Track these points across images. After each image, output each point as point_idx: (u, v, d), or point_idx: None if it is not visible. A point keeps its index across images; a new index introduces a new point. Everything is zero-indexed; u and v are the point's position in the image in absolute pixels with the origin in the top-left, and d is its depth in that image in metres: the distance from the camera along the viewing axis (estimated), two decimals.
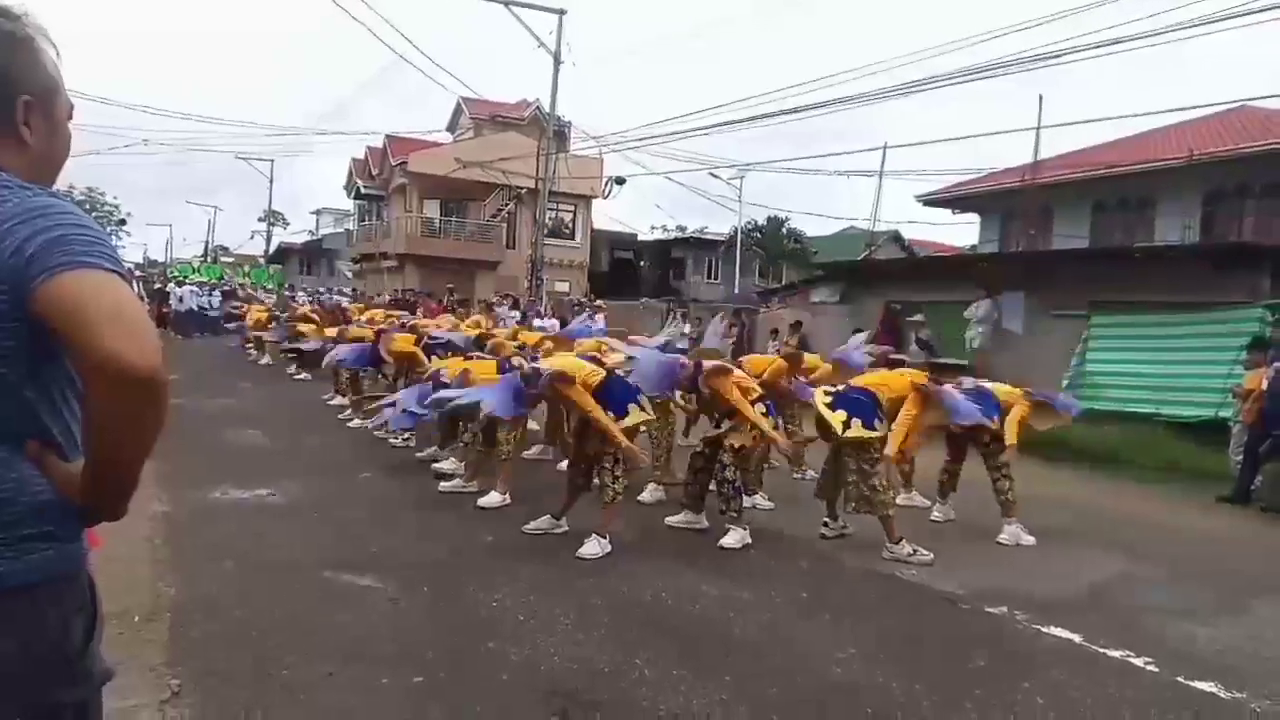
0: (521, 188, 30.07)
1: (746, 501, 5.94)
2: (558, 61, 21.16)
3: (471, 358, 7.73)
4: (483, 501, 6.15)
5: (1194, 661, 3.95)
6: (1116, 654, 3.98)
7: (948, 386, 6.00)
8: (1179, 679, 3.73)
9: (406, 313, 15.54)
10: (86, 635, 1.39)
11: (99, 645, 1.43)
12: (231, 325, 21.43)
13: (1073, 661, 3.89)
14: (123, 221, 51.76)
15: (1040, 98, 20.25)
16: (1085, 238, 20.05)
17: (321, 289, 33.62)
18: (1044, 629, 4.28)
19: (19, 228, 1.22)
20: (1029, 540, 5.94)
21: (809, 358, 7.83)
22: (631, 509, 6.19)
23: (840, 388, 5.76)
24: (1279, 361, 7.81)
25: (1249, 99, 16.72)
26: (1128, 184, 19.26)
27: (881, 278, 16.83)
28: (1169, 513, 7.62)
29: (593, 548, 5.09)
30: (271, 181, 43.39)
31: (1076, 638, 4.16)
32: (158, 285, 29.67)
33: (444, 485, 6.65)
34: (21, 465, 1.30)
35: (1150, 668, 3.84)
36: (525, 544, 5.29)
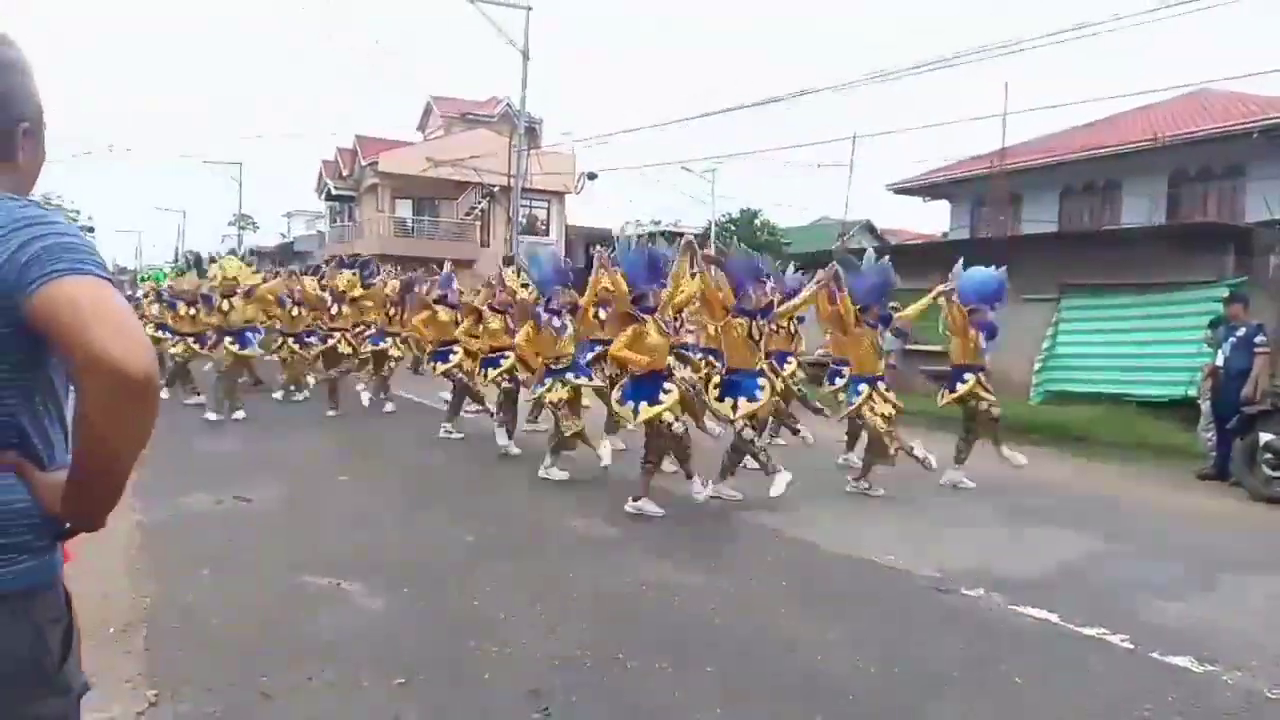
0: (494, 185, 29.96)
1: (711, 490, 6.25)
2: (526, 58, 21.08)
3: None
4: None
5: (1168, 636, 4.01)
6: (1092, 632, 4.04)
7: None
8: (1153, 654, 3.79)
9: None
10: (64, 647, 1.39)
11: (76, 657, 1.43)
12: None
13: (1049, 641, 3.94)
14: (90, 229, 51.00)
15: (1005, 85, 20.44)
16: (1054, 222, 20.26)
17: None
18: (1021, 610, 4.33)
19: (11, 236, 1.24)
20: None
21: None
22: (610, 506, 6.20)
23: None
24: (1233, 337, 7.93)
25: (1208, 81, 16.98)
26: (1094, 168, 19.48)
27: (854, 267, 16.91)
28: (1140, 490, 7.74)
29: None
30: (240, 185, 42.95)
31: (1053, 617, 4.22)
32: (128, 293, 29.16)
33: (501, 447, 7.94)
34: None
35: (1125, 644, 3.90)
36: (505, 542, 5.29)
